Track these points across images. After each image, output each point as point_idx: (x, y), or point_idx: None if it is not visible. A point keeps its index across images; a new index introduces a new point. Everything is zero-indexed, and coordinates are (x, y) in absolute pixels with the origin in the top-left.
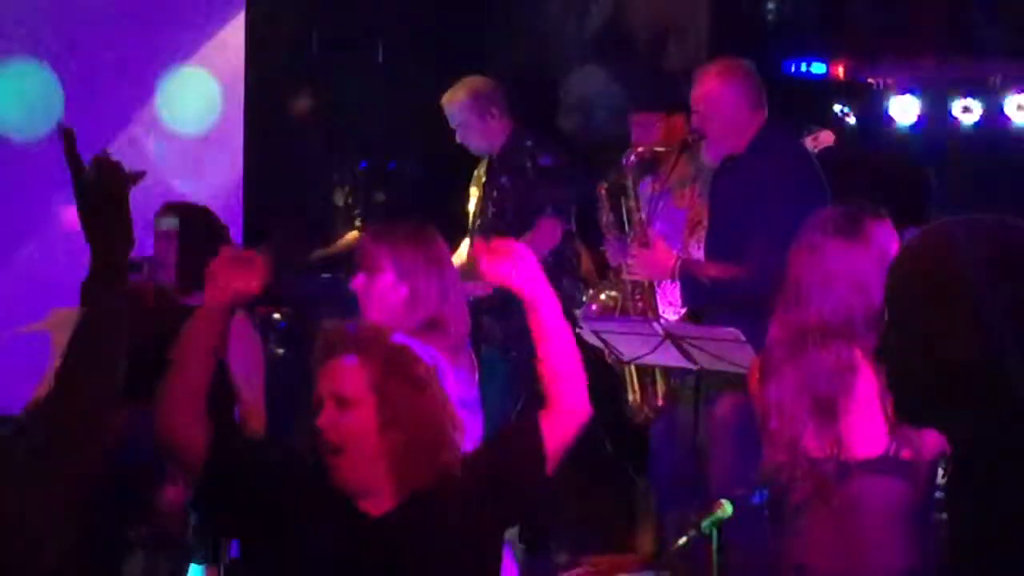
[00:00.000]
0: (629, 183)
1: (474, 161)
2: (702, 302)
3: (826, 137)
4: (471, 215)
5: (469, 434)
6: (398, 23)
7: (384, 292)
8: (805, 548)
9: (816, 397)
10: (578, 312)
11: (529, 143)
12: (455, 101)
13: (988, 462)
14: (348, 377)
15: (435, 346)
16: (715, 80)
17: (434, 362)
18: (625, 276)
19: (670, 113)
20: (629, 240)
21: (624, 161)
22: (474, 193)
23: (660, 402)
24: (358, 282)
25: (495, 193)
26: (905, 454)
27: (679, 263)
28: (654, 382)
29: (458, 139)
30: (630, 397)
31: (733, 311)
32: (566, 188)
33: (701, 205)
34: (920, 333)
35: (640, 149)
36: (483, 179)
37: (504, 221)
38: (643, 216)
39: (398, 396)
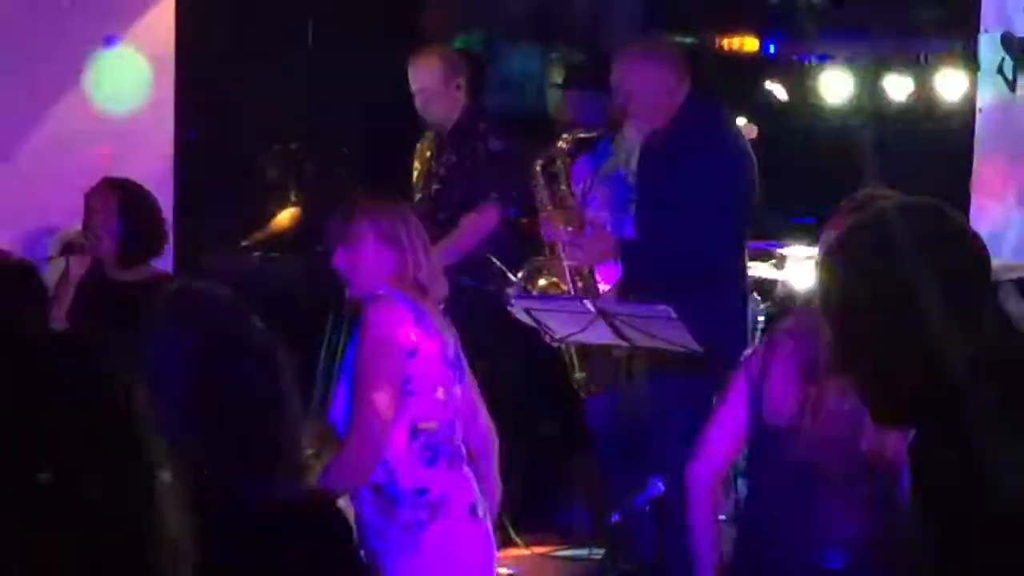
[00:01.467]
0: (561, 168)
1: (408, 139)
2: (644, 279)
3: (748, 131)
4: (412, 188)
5: (451, 396)
6: (328, 2)
7: (370, 260)
8: (757, 513)
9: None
10: (510, 291)
11: (483, 126)
12: (424, 65)
13: (944, 447)
14: None
15: (426, 307)
16: (637, 59)
17: (422, 322)
18: (565, 262)
19: (607, 90)
20: (564, 226)
21: (555, 145)
22: (416, 167)
23: (604, 374)
24: (340, 259)
25: (442, 170)
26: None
27: (616, 243)
28: (600, 355)
29: (417, 105)
30: (576, 374)
31: (672, 286)
32: (513, 176)
33: (631, 182)
34: (868, 343)
35: (571, 135)
36: (428, 154)
37: (447, 199)
38: (576, 202)
39: None
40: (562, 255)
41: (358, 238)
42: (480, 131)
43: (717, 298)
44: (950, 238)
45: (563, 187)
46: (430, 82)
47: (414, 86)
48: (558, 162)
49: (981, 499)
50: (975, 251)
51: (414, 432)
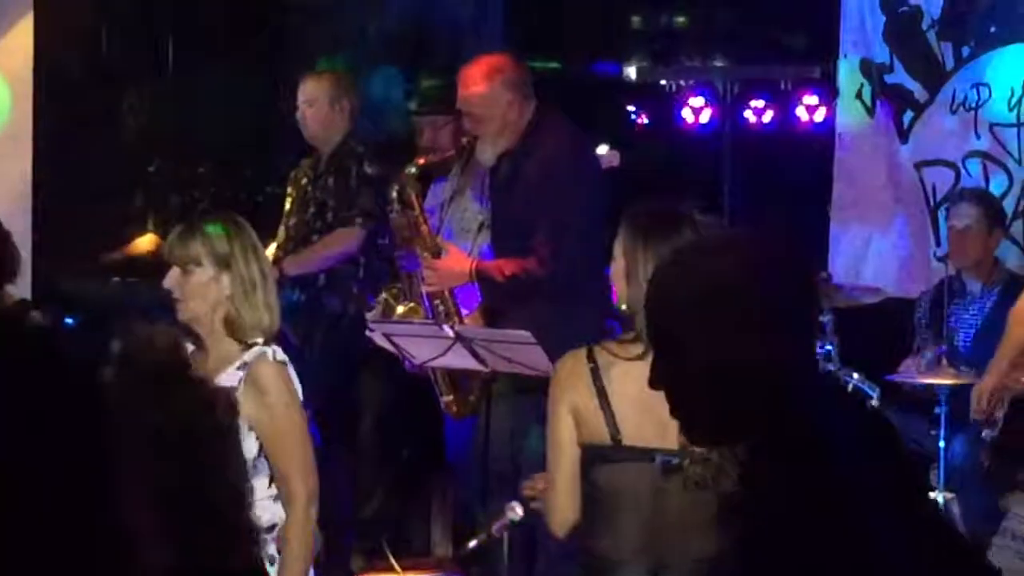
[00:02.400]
0: (412, 195)
1: (269, 160)
2: (502, 300)
3: (611, 158)
4: (285, 213)
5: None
6: (189, 23)
7: (203, 285)
8: (614, 538)
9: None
10: (369, 316)
11: (360, 149)
12: (314, 80)
13: (778, 465)
14: None
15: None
16: (481, 80)
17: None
18: (423, 289)
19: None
20: (419, 253)
21: (406, 172)
22: (290, 194)
23: (473, 397)
24: (171, 279)
25: (318, 194)
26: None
27: (474, 266)
28: (465, 379)
29: (297, 117)
30: (444, 398)
31: (531, 305)
32: (383, 199)
33: (484, 205)
34: (702, 354)
35: (421, 161)
36: (303, 181)
37: (323, 221)
38: (429, 227)
39: None
40: (419, 281)
41: (193, 261)
42: (357, 154)
43: (576, 321)
44: (782, 261)
45: (416, 213)
46: (315, 96)
47: (300, 98)
48: (408, 189)
49: (809, 521)
50: (804, 276)
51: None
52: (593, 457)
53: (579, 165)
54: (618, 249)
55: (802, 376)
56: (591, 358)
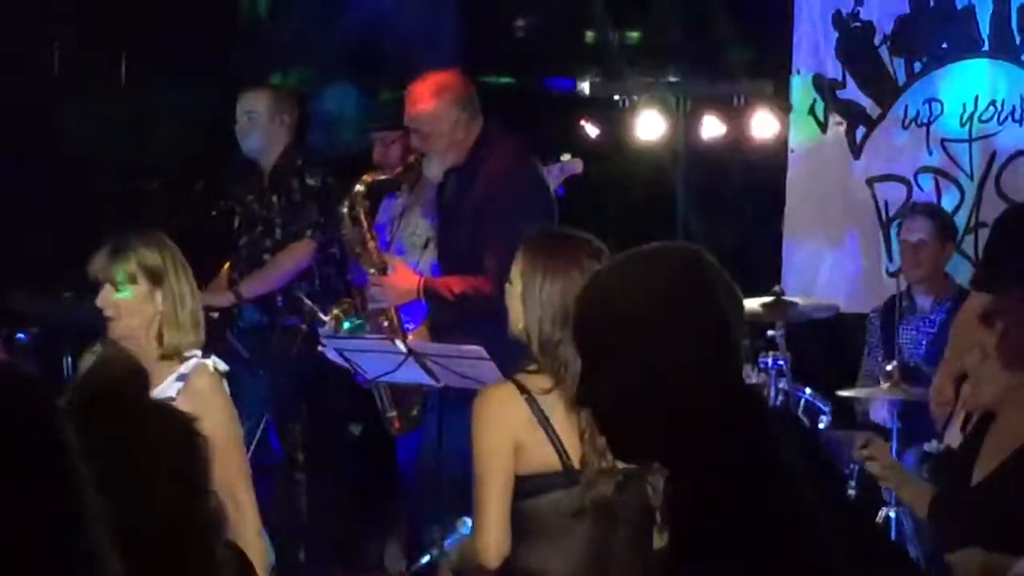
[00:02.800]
0: (360, 212)
1: (220, 177)
2: (450, 317)
3: (574, 165)
4: (236, 232)
5: None
6: (142, 40)
7: (138, 301)
8: (561, 560)
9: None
10: (321, 331)
11: (299, 162)
12: (256, 94)
13: (712, 484)
14: None
15: None
16: (428, 98)
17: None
18: (370, 305)
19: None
20: (366, 269)
21: (354, 189)
22: (239, 211)
23: (415, 412)
24: (104, 297)
25: (264, 211)
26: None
27: (422, 283)
28: (411, 394)
29: (237, 131)
30: (388, 413)
31: (479, 322)
32: (329, 210)
33: (432, 221)
34: (630, 366)
35: (369, 178)
36: (249, 197)
37: (272, 240)
38: (376, 244)
39: None
40: (368, 299)
41: (128, 279)
42: (297, 168)
43: None
44: (711, 276)
45: (365, 230)
46: (255, 109)
47: (240, 111)
48: (358, 206)
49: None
50: (732, 291)
51: None
52: (541, 485)
53: (525, 182)
54: (515, 272)
55: (730, 390)
56: (523, 389)
